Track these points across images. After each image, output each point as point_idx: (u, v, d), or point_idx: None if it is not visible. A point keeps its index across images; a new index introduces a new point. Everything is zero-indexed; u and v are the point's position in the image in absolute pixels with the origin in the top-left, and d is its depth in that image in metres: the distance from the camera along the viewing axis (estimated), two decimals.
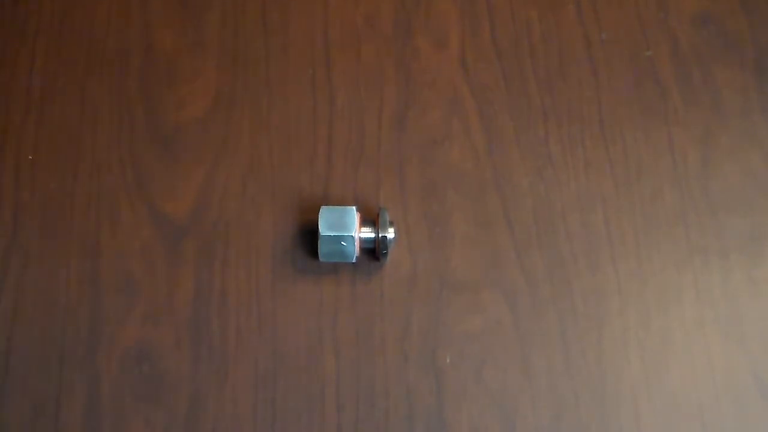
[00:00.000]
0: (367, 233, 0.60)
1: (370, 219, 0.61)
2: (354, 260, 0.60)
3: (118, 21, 0.69)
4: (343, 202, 0.63)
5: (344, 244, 0.59)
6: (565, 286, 0.62)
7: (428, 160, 0.65)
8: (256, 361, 0.59)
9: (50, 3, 0.69)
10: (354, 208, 0.60)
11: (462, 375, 0.59)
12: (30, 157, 0.64)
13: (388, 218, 0.60)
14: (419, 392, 0.59)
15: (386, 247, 0.60)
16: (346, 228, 0.59)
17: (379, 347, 0.60)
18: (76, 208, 0.63)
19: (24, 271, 0.61)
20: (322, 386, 0.59)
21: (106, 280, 0.61)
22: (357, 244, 0.59)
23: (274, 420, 0.58)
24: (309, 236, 0.62)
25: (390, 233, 0.60)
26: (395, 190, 0.64)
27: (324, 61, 0.68)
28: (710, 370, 0.60)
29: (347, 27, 0.69)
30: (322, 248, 0.59)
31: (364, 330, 0.61)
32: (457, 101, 0.67)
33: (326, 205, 0.61)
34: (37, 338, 0.59)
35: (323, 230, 0.59)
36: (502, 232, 0.63)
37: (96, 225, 0.63)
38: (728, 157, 0.66)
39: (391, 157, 0.64)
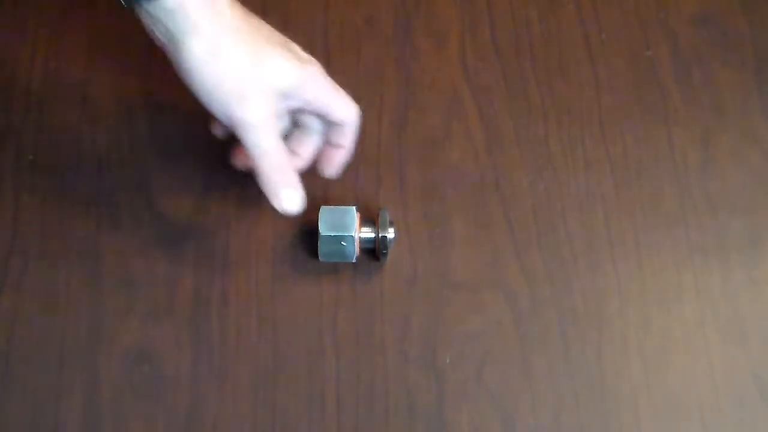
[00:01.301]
0: (367, 233, 0.60)
1: (370, 219, 0.61)
2: (354, 260, 0.60)
3: (118, 20, 0.69)
4: (343, 202, 0.63)
5: (344, 244, 0.59)
6: (565, 286, 0.62)
7: (428, 160, 0.65)
8: (256, 361, 0.59)
9: (50, 2, 0.69)
10: (354, 208, 0.60)
11: (462, 375, 0.59)
12: (30, 157, 0.64)
13: (388, 218, 0.60)
14: (419, 392, 0.59)
15: (386, 247, 0.60)
16: (346, 228, 0.59)
17: (379, 347, 0.60)
18: (76, 208, 0.63)
19: (24, 271, 0.61)
20: (322, 386, 0.59)
21: (106, 280, 0.61)
22: (357, 244, 0.59)
23: (274, 420, 0.58)
24: (309, 236, 0.62)
25: (390, 233, 0.60)
26: (395, 190, 0.64)
27: (324, 61, 0.68)
28: (710, 370, 0.60)
29: (347, 27, 0.69)
30: (322, 248, 0.59)
31: (364, 330, 0.60)
32: (457, 101, 0.67)
33: (326, 205, 0.61)
34: (37, 338, 0.59)
35: (323, 230, 0.59)
36: (502, 232, 0.63)
37: (96, 225, 0.63)
38: (728, 157, 0.66)
39: (391, 157, 0.64)
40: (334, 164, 0.60)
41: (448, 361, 0.60)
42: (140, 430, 0.58)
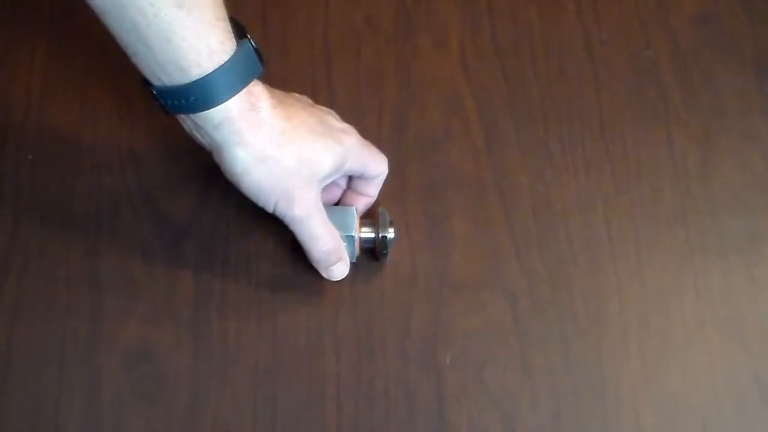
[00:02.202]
0: (367, 233, 0.60)
1: (370, 219, 0.61)
2: (354, 260, 0.60)
3: None
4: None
5: (344, 244, 0.59)
6: (565, 286, 0.62)
7: (428, 160, 0.65)
8: (256, 360, 0.59)
9: (50, 3, 0.69)
10: (354, 208, 0.60)
11: (462, 375, 0.59)
12: (30, 157, 0.64)
13: (388, 218, 0.60)
14: (419, 392, 0.59)
15: (386, 247, 0.60)
16: (346, 228, 0.59)
17: (379, 347, 0.60)
18: (76, 208, 0.63)
19: (24, 271, 0.61)
20: (322, 386, 0.59)
21: (106, 280, 0.61)
22: (357, 244, 0.59)
23: (274, 420, 0.58)
24: None
25: (390, 233, 0.60)
26: (395, 190, 0.64)
27: (324, 61, 0.68)
28: (710, 370, 0.60)
29: (347, 27, 0.69)
30: None
31: (364, 330, 0.60)
32: (457, 101, 0.67)
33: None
34: (37, 338, 0.59)
35: None
36: (502, 232, 0.63)
37: (96, 225, 0.63)
38: (728, 157, 0.66)
39: (391, 157, 0.64)
40: (359, 209, 0.62)
41: (448, 361, 0.60)
42: (140, 430, 0.58)
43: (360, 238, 0.60)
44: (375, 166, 0.60)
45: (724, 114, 0.67)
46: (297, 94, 0.59)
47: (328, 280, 0.61)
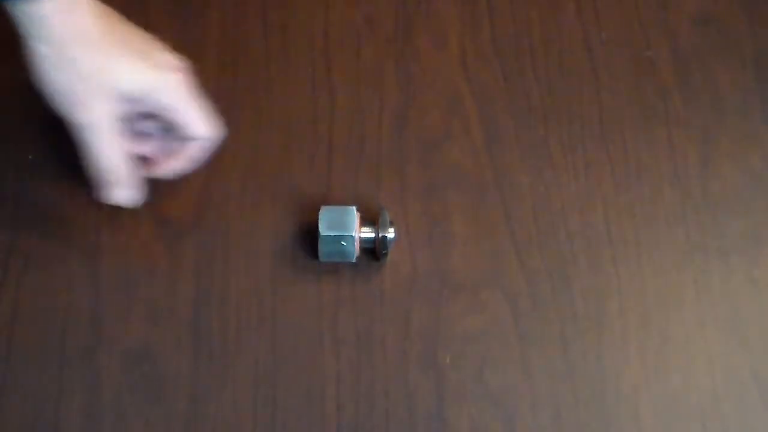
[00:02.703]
0: (367, 233, 0.60)
1: (370, 219, 0.61)
2: (354, 260, 0.60)
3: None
4: (343, 202, 0.63)
5: (344, 244, 0.59)
6: (565, 286, 0.62)
7: (428, 160, 0.65)
8: (256, 361, 0.59)
9: None
10: (354, 208, 0.60)
11: (462, 375, 0.59)
12: (30, 157, 0.64)
13: (388, 218, 0.60)
14: (419, 392, 0.59)
15: (386, 247, 0.60)
16: (346, 228, 0.59)
17: (379, 347, 0.60)
18: (76, 208, 0.63)
19: (24, 271, 0.61)
20: (322, 386, 0.59)
21: (107, 280, 0.61)
22: (357, 244, 0.59)
23: (274, 420, 0.58)
24: (309, 236, 0.62)
25: (390, 233, 0.60)
26: (395, 190, 0.64)
27: (324, 61, 0.68)
28: (710, 370, 0.60)
29: (347, 27, 0.69)
30: (322, 248, 0.59)
31: (364, 330, 0.60)
32: (457, 101, 0.67)
33: (326, 205, 0.61)
34: (37, 338, 0.59)
35: (323, 230, 0.59)
36: (502, 232, 0.63)
37: (96, 225, 0.63)
38: (728, 157, 0.66)
39: (391, 157, 0.64)
40: (167, 170, 0.61)
41: (448, 361, 0.60)
42: (140, 430, 0.58)
43: (360, 238, 0.60)
44: (194, 124, 0.58)
45: (724, 114, 0.67)
46: (151, 37, 0.58)
47: (327, 280, 0.61)
